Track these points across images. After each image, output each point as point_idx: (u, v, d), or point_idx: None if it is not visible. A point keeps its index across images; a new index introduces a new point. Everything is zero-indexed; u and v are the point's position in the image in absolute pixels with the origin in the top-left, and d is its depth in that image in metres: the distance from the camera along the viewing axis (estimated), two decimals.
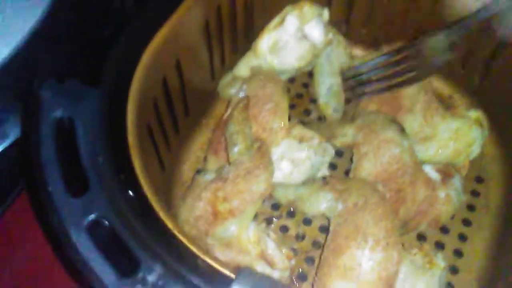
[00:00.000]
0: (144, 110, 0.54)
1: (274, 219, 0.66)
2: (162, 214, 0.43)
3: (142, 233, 0.40)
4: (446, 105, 0.69)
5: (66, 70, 0.51)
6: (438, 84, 0.76)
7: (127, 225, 0.41)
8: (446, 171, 0.61)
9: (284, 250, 0.59)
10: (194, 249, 0.41)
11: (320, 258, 0.56)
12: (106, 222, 0.40)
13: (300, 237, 0.65)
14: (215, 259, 0.41)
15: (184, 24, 0.59)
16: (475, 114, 0.65)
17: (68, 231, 0.40)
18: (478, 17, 0.48)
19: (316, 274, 0.55)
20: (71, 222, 0.40)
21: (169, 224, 0.42)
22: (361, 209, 0.54)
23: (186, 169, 0.71)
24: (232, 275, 0.39)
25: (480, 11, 0.47)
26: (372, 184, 0.57)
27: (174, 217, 0.61)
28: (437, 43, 0.54)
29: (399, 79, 0.54)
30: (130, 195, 0.43)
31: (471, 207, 0.66)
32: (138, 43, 0.55)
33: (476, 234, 0.63)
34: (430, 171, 0.61)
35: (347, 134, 0.64)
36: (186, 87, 0.66)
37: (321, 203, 0.58)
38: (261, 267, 0.58)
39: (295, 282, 0.60)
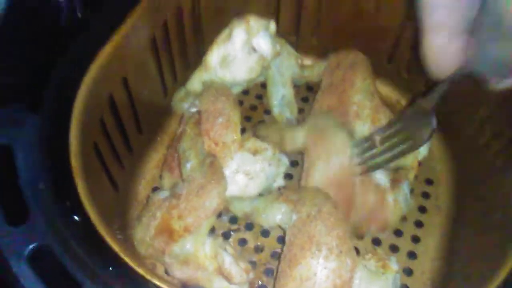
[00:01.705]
0: (89, 130, 0.53)
1: (232, 232, 0.66)
2: (108, 238, 0.42)
3: (87, 260, 0.39)
4: (394, 109, 0.71)
5: (4, 96, 0.50)
6: (385, 89, 0.78)
7: (70, 253, 0.40)
8: (395, 176, 0.63)
9: (242, 264, 0.59)
10: (141, 271, 0.40)
11: (277, 269, 0.56)
12: (49, 251, 0.39)
13: (259, 249, 0.65)
14: (164, 280, 0.40)
15: (129, 41, 0.59)
16: None
17: (8, 262, 0.39)
18: (454, 77, 0.46)
19: (274, 286, 0.55)
20: (11, 252, 0.39)
21: (116, 248, 0.42)
22: (314, 218, 0.54)
23: (142, 188, 0.70)
24: None
25: (455, 73, 0.45)
26: (325, 193, 0.58)
27: (130, 237, 0.60)
28: (419, 113, 0.55)
29: (398, 150, 0.58)
30: (73, 221, 0.42)
31: (422, 209, 0.68)
32: (81, 62, 0.54)
33: (428, 235, 0.65)
34: (380, 177, 0.62)
35: (298, 139, 0.65)
36: (136, 104, 0.65)
37: (276, 215, 0.58)
38: (219, 283, 0.57)
39: None
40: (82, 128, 0.51)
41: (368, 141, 0.60)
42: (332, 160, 0.60)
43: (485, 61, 0.42)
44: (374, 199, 0.59)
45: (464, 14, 0.41)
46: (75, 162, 0.47)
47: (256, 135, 0.67)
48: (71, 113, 0.50)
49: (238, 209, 0.62)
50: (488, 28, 0.39)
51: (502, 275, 0.46)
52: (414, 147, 0.57)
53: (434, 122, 0.54)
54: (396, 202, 0.60)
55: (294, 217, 0.56)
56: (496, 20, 0.38)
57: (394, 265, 0.55)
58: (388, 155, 0.58)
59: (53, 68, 0.53)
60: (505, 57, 0.40)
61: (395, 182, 0.62)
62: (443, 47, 0.42)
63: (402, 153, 0.57)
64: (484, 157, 0.62)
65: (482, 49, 0.41)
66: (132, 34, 0.59)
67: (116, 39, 0.57)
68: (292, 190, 0.61)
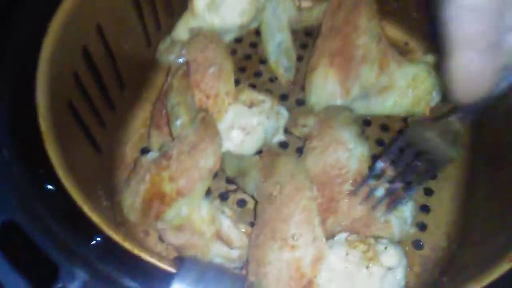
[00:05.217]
0: (61, 87, 0.47)
1: (229, 193, 0.61)
2: (87, 209, 0.37)
3: (61, 234, 0.34)
4: (402, 52, 0.64)
5: None
6: (392, 31, 0.71)
7: (42, 227, 0.34)
8: (397, 194, 0.51)
9: (242, 226, 0.55)
10: (126, 244, 0.35)
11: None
12: (16, 226, 0.34)
13: None
14: (153, 253, 0.35)
15: None
16: (433, 58, 0.61)
17: None
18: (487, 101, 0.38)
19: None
20: None
21: (95, 219, 0.36)
22: (275, 199, 0.48)
23: (129, 150, 0.64)
24: (173, 270, 0.34)
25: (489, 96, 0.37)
26: (296, 164, 0.51)
27: (118, 204, 0.55)
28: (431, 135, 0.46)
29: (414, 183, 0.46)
30: (45, 191, 0.37)
31: None
32: (46, 7, 0.47)
33: (442, 188, 0.60)
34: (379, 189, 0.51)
35: (308, 125, 0.59)
36: (115, 56, 0.59)
37: (252, 182, 0.53)
38: (218, 247, 0.53)
39: None
40: (52, 85, 0.45)
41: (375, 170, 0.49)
42: (328, 153, 0.53)
43: None
44: (362, 213, 0.50)
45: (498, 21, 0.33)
46: (44, 124, 0.41)
47: None
48: (36, 68, 0.43)
49: (231, 167, 0.56)
50: None
51: None
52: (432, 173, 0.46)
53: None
54: (388, 224, 0.50)
55: (261, 191, 0.50)
56: None
57: (388, 258, 0.44)
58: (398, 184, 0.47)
59: (13, 15, 0.46)
60: None
61: (393, 199, 0.51)
62: (477, 65, 0.34)
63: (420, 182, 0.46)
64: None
65: None
66: None
67: None
68: (271, 154, 0.54)
